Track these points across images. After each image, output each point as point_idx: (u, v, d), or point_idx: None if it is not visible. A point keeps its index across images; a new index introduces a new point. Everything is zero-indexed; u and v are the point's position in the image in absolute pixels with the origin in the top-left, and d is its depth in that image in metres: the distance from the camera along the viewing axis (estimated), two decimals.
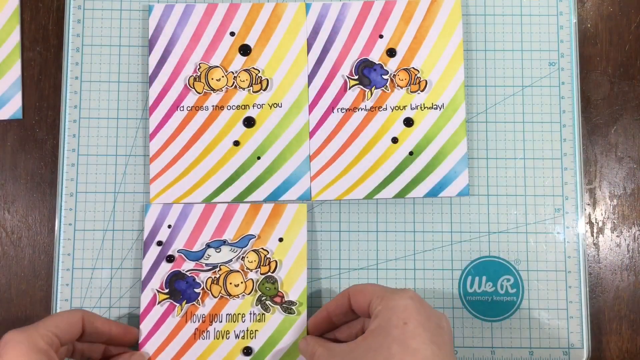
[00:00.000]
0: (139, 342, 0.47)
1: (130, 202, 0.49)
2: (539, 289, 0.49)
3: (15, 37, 0.51)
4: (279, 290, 0.47)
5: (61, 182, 0.49)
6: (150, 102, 0.49)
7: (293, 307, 0.47)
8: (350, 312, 0.42)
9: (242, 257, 0.47)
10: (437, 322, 0.38)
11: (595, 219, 0.51)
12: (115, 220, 0.49)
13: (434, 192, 0.48)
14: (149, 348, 0.46)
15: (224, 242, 0.48)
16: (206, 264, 0.47)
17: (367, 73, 0.49)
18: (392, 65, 0.50)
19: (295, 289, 0.47)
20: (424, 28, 0.50)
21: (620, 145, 0.51)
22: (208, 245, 0.48)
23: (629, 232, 0.51)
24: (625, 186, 0.51)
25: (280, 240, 0.48)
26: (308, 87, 0.49)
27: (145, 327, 0.47)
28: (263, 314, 0.47)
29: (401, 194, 0.48)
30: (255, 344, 0.47)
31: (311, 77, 0.49)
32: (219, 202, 0.48)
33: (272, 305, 0.47)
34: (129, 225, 0.49)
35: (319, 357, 0.41)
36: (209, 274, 0.47)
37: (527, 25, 0.51)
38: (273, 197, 0.48)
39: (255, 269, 0.47)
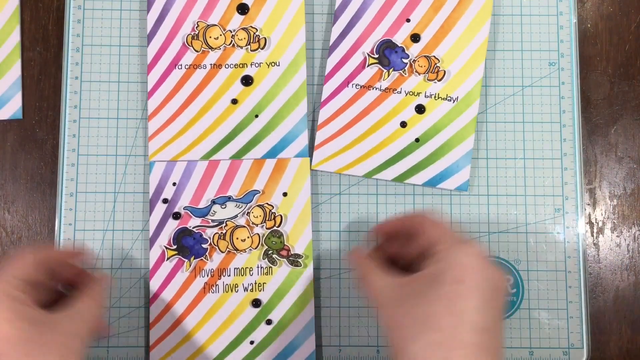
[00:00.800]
0: (150, 297, 0.47)
1: (130, 202, 0.49)
2: (539, 289, 0.49)
3: (15, 37, 0.51)
4: (285, 243, 0.48)
5: (61, 182, 0.49)
6: (149, 60, 0.49)
7: (299, 260, 0.48)
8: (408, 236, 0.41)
9: (248, 212, 0.48)
10: (494, 284, 0.36)
11: (595, 219, 0.51)
12: (115, 220, 0.49)
13: (433, 182, 0.49)
14: (160, 303, 0.47)
15: (229, 198, 0.48)
16: (212, 220, 0.48)
17: (387, 54, 0.49)
18: (414, 50, 0.50)
19: (300, 242, 0.48)
20: (453, 19, 0.50)
21: (620, 145, 0.51)
22: (213, 202, 0.48)
23: (629, 232, 0.51)
24: (625, 186, 0.51)
25: (285, 194, 0.48)
26: (328, 56, 0.50)
27: (155, 283, 0.48)
28: (270, 267, 0.48)
29: (401, 178, 0.49)
30: (264, 296, 0.47)
31: (332, 48, 0.50)
32: (217, 159, 0.49)
33: (279, 258, 0.48)
34: (129, 225, 0.49)
35: (367, 281, 0.40)
36: (216, 229, 0.48)
37: (527, 25, 0.51)
38: (271, 154, 0.49)
39: (261, 223, 0.48)
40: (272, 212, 0.48)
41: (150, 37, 0.50)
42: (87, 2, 0.51)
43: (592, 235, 0.50)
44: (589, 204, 0.51)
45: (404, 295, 0.37)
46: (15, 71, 0.50)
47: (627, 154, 0.51)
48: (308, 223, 0.48)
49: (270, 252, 0.48)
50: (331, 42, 0.50)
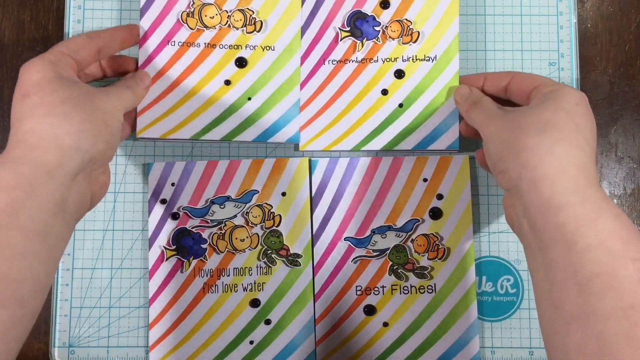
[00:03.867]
0: (149, 297, 0.47)
1: (130, 202, 0.49)
2: None
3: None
4: (284, 243, 0.48)
5: None
6: (140, 34, 0.48)
7: (298, 260, 0.48)
8: (502, 92, 0.45)
9: (246, 212, 0.48)
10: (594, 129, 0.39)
11: None
12: (115, 220, 0.49)
13: (422, 145, 0.48)
14: (160, 303, 0.47)
15: (228, 198, 0.48)
16: (211, 220, 0.48)
17: (359, 25, 0.49)
18: (385, 17, 0.49)
19: (299, 242, 0.48)
20: None
21: (620, 145, 0.51)
22: (212, 202, 0.48)
23: None
24: (625, 186, 0.51)
25: (283, 194, 0.48)
26: (301, 36, 0.49)
27: (154, 283, 0.48)
28: (269, 267, 0.48)
29: (389, 145, 0.48)
30: (263, 296, 0.48)
31: (304, 28, 0.50)
32: (208, 140, 0.48)
33: (278, 258, 0.48)
34: (129, 225, 0.49)
35: (485, 104, 0.42)
36: (214, 229, 0.48)
37: (527, 25, 0.51)
38: (262, 138, 0.48)
39: (260, 223, 0.48)
40: (271, 212, 0.48)
41: (144, 11, 0.49)
42: (87, 2, 0.51)
43: None
44: None
45: (521, 111, 0.39)
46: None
47: (627, 154, 0.51)
48: (307, 223, 0.48)
49: (269, 251, 0.48)
50: (303, 22, 0.50)
